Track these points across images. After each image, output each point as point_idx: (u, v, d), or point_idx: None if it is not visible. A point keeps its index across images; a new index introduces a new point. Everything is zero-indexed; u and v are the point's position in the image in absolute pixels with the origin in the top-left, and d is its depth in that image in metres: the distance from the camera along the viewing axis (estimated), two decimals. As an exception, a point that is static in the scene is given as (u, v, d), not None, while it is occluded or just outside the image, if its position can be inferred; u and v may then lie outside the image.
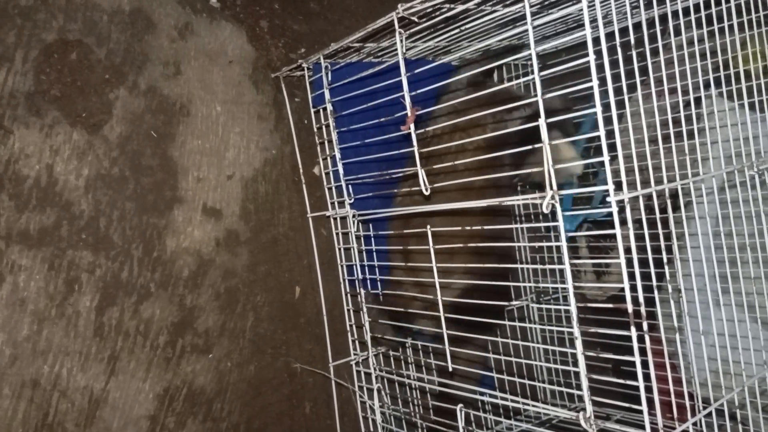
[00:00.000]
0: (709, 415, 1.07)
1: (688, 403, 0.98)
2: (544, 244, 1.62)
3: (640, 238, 0.90)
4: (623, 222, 0.78)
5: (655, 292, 1.05)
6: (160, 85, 1.15)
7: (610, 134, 0.75)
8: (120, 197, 1.08)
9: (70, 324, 1.02)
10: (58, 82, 1.04)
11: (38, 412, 0.99)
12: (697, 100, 1.21)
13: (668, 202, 1.12)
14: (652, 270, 0.91)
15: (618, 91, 0.83)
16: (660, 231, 1.07)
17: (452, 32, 1.15)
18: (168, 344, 1.12)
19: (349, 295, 1.31)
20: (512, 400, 0.93)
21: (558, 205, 0.81)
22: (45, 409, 1.00)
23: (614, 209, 0.77)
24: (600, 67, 0.74)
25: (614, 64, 0.82)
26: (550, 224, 1.52)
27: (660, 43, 1.23)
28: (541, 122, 0.79)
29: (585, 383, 0.83)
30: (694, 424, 0.86)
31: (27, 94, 1.00)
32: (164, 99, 1.15)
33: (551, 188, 0.80)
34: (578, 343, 0.82)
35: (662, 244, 1.09)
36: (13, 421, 0.97)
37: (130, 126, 1.11)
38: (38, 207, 1.00)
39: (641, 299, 0.78)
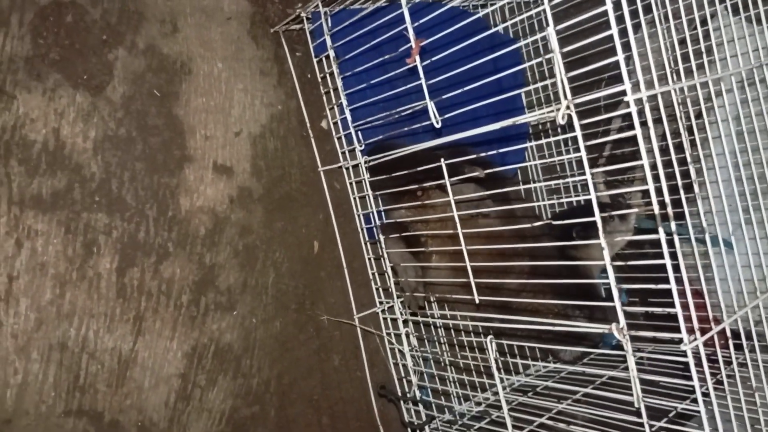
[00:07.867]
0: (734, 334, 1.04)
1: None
2: (556, 159, 1.59)
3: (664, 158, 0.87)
4: (643, 123, 0.75)
5: (684, 204, 1.02)
6: (159, 44, 1.13)
7: (623, 33, 0.73)
8: (129, 158, 1.08)
9: (92, 286, 1.02)
10: (56, 45, 1.02)
11: (69, 375, 0.99)
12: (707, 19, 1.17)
13: (689, 116, 1.08)
14: (678, 175, 0.88)
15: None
16: (685, 144, 1.04)
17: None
18: (191, 303, 1.12)
19: (368, 243, 1.30)
20: (543, 323, 0.91)
21: (574, 115, 0.79)
22: (75, 371, 1.00)
23: (633, 109, 0.74)
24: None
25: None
26: (567, 135, 1.46)
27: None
28: (547, 7, 0.77)
29: (616, 294, 0.81)
30: (708, 344, 0.83)
31: (26, 59, 0.99)
32: (164, 57, 1.14)
33: (565, 98, 0.78)
34: (605, 253, 0.80)
35: (689, 164, 1.06)
36: (44, 385, 0.97)
37: (132, 86, 1.09)
38: (48, 171, 0.99)
39: (667, 200, 0.75)
